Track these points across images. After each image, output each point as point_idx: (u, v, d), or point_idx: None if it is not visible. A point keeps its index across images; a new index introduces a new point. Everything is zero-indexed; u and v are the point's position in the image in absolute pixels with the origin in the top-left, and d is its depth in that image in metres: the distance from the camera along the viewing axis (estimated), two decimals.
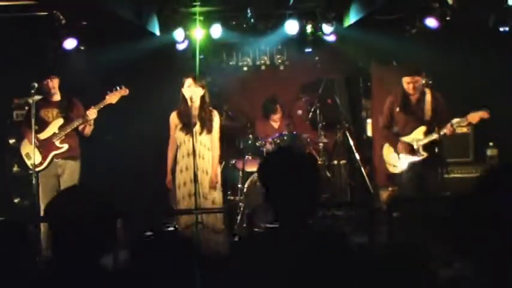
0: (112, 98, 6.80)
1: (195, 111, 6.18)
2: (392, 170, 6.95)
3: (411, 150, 6.65)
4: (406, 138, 6.71)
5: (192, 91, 6.18)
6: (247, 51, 9.84)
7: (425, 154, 6.58)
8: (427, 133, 6.60)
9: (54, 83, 6.91)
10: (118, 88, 6.84)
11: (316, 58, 8.71)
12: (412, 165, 6.68)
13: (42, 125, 6.81)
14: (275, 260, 2.52)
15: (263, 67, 9.90)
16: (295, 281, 2.45)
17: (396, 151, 6.79)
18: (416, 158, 6.64)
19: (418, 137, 6.63)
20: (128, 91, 6.88)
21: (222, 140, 6.71)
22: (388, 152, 6.96)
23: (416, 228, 6.28)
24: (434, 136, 6.51)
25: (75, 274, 2.30)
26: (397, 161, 6.79)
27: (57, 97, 6.98)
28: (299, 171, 2.70)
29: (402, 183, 6.92)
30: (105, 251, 2.39)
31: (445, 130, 6.46)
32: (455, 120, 6.48)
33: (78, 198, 2.40)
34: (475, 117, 6.43)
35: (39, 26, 7.76)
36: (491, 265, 1.75)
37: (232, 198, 8.38)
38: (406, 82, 6.67)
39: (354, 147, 8.59)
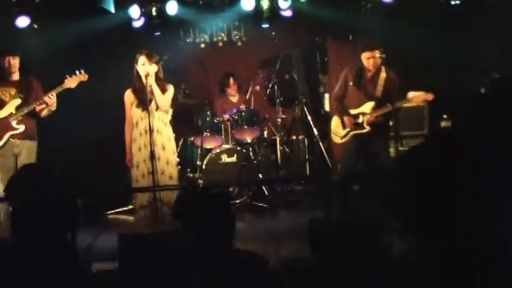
0: (71, 82, 6.68)
1: (150, 88, 6.12)
2: (337, 140, 7.05)
3: (355, 123, 6.74)
4: (353, 111, 6.79)
5: (147, 68, 6.13)
6: (204, 27, 9.77)
7: (368, 128, 6.66)
8: (375, 109, 6.68)
9: (14, 62, 6.77)
10: (78, 73, 6.72)
11: (273, 33, 8.70)
12: (355, 138, 6.79)
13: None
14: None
15: (220, 44, 9.86)
16: None
17: (343, 123, 6.88)
18: (358, 131, 6.74)
19: (364, 111, 6.71)
20: (87, 77, 6.73)
21: (179, 118, 6.68)
22: (335, 123, 7.04)
23: (373, 202, 6.39)
24: (379, 112, 6.60)
25: (36, 253, 2.29)
26: (342, 132, 6.89)
27: (15, 76, 6.83)
28: (212, 210, 3.02)
29: (343, 155, 7.06)
30: (68, 229, 2.37)
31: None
32: (398, 103, 6.59)
33: (39, 176, 2.38)
34: (419, 98, 6.57)
35: None
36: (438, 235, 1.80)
37: (191, 175, 8.40)
38: (366, 57, 6.66)
39: (311, 122, 8.64)
